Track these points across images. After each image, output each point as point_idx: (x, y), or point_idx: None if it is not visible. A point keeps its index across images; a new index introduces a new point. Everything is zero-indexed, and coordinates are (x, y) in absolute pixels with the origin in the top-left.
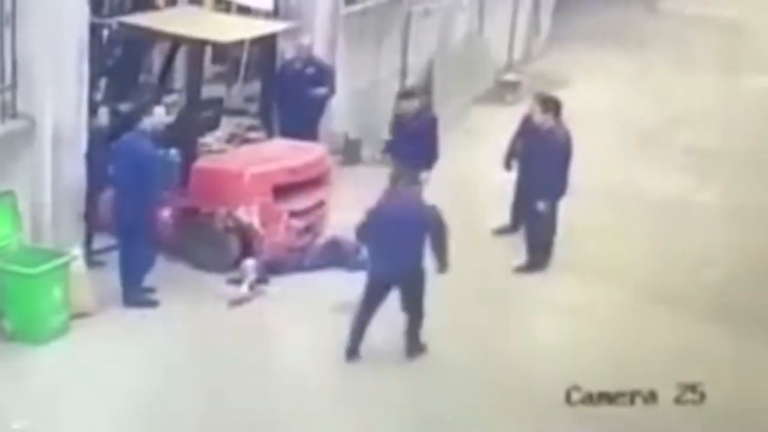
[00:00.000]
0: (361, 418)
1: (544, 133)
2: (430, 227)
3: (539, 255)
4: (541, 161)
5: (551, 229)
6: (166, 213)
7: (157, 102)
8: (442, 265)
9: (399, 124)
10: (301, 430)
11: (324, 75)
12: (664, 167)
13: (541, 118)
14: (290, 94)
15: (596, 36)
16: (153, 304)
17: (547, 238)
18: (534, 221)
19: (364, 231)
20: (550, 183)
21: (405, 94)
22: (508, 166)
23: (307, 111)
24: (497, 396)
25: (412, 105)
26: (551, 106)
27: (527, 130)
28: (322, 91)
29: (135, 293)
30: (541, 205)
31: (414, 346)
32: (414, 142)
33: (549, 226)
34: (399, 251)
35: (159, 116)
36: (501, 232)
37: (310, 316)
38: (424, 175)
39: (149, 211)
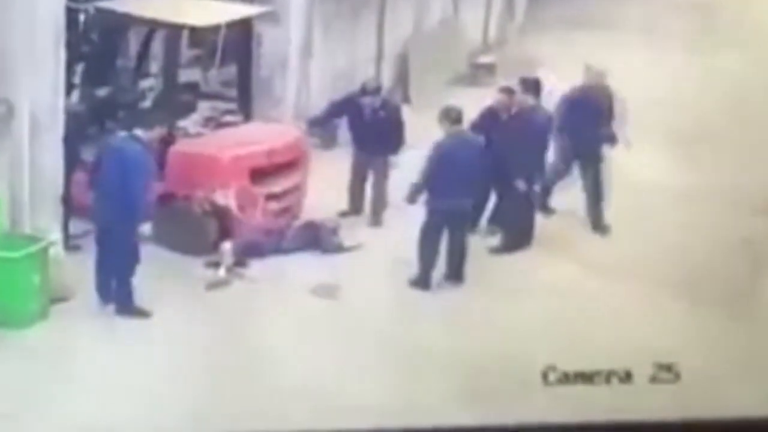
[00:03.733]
0: (339, 400)
1: (523, 113)
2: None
3: (517, 235)
4: (522, 141)
5: (530, 209)
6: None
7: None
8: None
9: (362, 112)
10: (279, 412)
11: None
12: (638, 147)
13: (521, 98)
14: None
15: (571, 18)
16: (146, 314)
17: (527, 217)
18: (511, 201)
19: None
20: (531, 162)
21: (367, 91)
22: None
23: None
24: (474, 376)
25: (374, 101)
26: (531, 86)
27: (490, 119)
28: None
29: (127, 297)
30: (521, 184)
31: (458, 276)
32: (379, 130)
33: (528, 205)
34: (461, 188)
35: (158, 133)
36: None
37: (288, 298)
38: (392, 159)
39: (133, 216)
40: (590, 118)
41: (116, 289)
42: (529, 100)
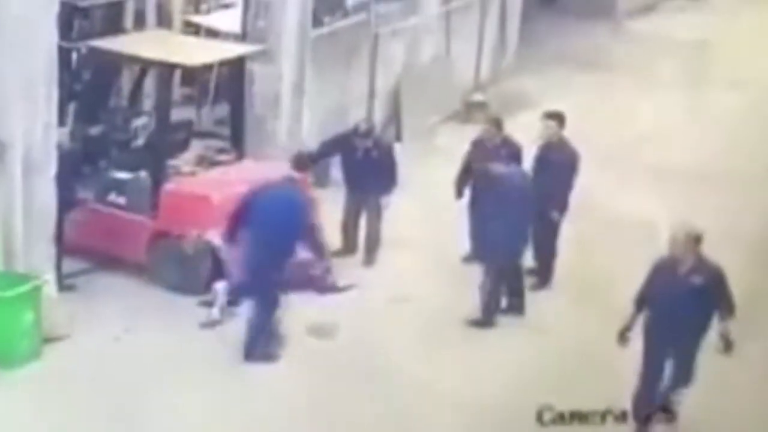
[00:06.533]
0: None
1: (554, 147)
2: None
3: (544, 272)
4: (553, 174)
5: (554, 245)
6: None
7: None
8: None
9: (354, 153)
10: None
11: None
12: (631, 185)
13: (550, 132)
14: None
15: (562, 57)
16: (275, 357)
17: (551, 254)
18: (542, 235)
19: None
20: (561, 195)
21: (359, 134)
22: (460, 194)
23: None
24: (469, 415)
25: (366, 143)
26: (557, 119)
27: (481, 154)
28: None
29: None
30: (556, 215)
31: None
32: (371, 170)
33: (553, 241)
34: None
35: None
36: (468, 260)
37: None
38: (385, 200)
39: (283, 262)
40: (689, 300)
41: (259, 332)
42: (557, 133)
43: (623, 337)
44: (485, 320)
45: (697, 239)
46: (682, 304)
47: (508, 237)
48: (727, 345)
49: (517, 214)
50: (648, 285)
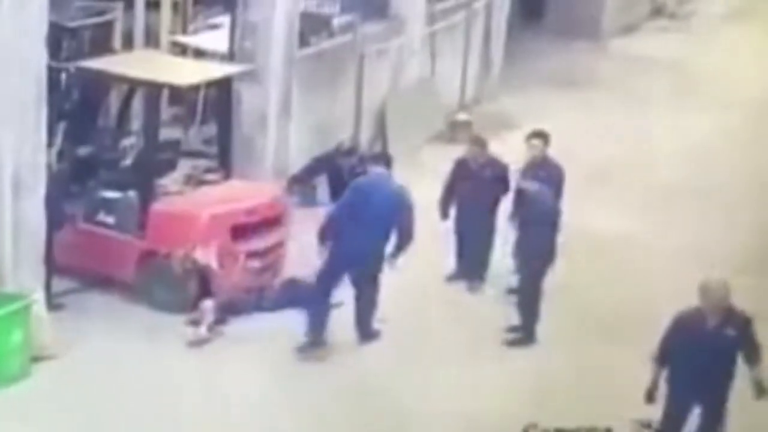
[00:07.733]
0: None
1: (538, 164)
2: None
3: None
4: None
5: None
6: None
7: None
8: None
9: (338, 171)
10: None
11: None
12: (616, 205)
13: (535, 152)
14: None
15: (546, 78)
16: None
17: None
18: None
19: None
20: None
21: (341, 153)
22: (445, 214)
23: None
24: None
25: (351, 161)
26: (542, 137)
27: (465, 173)
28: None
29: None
30: None
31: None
32: None
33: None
34: None
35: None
36: (452, 279)
37: (269, 356)
38: None
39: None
40: (720, 352)
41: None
42: (543, 150)
43: (651, 396)
44: (528, 336)
45: (728, 290)
46: (713, 357)
47: (545, 248)
48: (761, 390)
49: (549, 227)
50: (671, 339)
